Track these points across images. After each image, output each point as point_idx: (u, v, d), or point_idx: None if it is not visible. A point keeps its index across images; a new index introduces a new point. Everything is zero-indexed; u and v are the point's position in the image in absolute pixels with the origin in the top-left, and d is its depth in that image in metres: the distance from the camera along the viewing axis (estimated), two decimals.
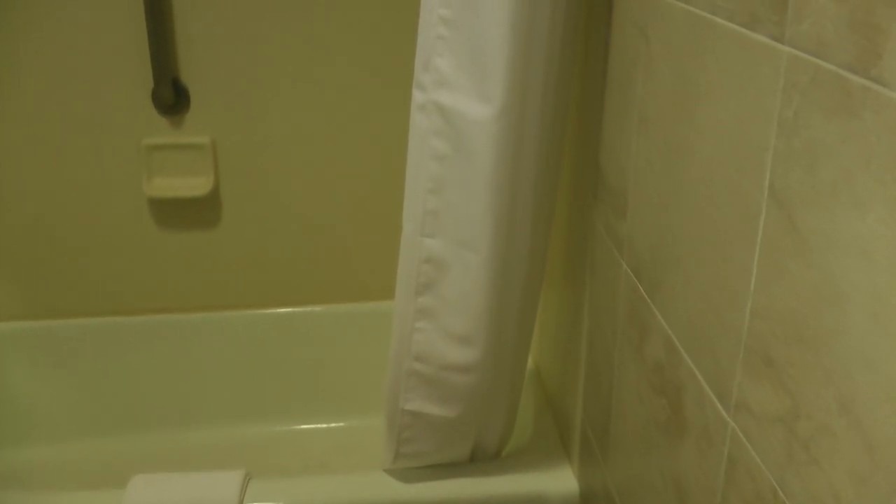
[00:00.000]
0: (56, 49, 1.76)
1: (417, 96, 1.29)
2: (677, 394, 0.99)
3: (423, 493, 1.46)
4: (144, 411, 1.97)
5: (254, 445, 1.93)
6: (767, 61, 0.74)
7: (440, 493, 1.46)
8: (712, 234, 0.88)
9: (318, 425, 2.00)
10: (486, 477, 1.48)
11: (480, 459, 1.52)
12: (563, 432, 1.61)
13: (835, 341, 0.65)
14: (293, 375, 1.99)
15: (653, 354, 1.07)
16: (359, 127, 1.86)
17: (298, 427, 2.00)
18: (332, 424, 2.00)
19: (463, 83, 1.24)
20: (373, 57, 1.80)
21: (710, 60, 0.87)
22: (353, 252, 1.96)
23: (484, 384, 1.38)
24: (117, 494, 1.41)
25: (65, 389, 1.96)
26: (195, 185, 1.86)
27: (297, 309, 1.99)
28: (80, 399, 1.97)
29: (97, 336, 1.96)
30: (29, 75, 1.78)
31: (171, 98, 1.80)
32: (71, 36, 1.76)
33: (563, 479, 1.52)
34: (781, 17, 0.71)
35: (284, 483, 1.52)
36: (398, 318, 1.39)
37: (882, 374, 0.59)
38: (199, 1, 1.75)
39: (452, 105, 1.25)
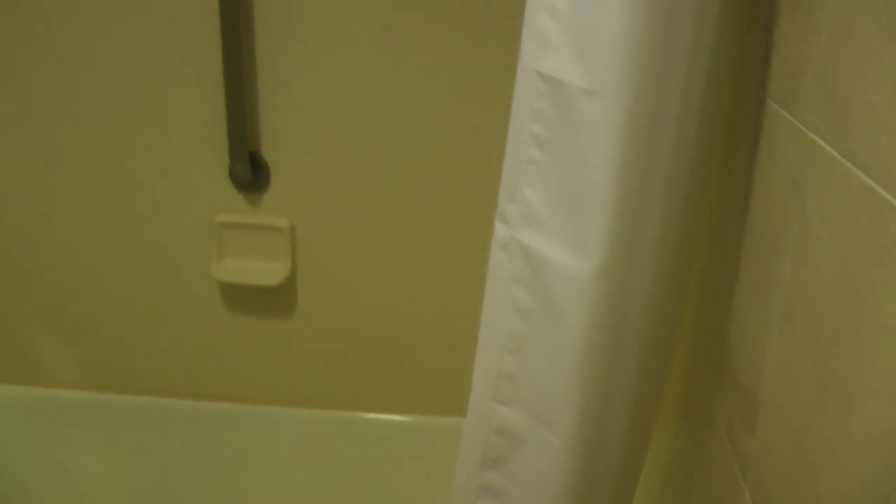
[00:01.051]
0: (130, 114, 1.61)
1: (500, 230, 1.03)
2: None
3: None
4: (196, 500, 1.78)
5: None
6: None
7: None
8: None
9: None
10: None
11: None
12: None
13: None
14: (354, 485, 1.77)
15: None
16: (452, 219, 1.62)
17: None
18: None
19: (555, 224, 0.97)
20: (469, 141, 1.55)
21: (891, 262, 0.58)
22: (437, 359, 1.72)
23: None
24: None
25: (115, 466, 1.82)
26: (269, 272, 1.66)
27: (368, 415, 1.77)
28: (131, 479, 1.82)
29: (154, 415, 1.81)
30: (100, 141, 1.63)
31: (249, 174, 1.60)
32: (146, 101, 1.60)
33: None
34: None
35: None
36: (458, 492, 1.13)
37: None
38: (283, 70, 1.55)
39: (541, 250, 0.98)
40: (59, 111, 1.62)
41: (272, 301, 1.70)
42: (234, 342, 1.75)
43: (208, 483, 1.80)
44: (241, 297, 1.71)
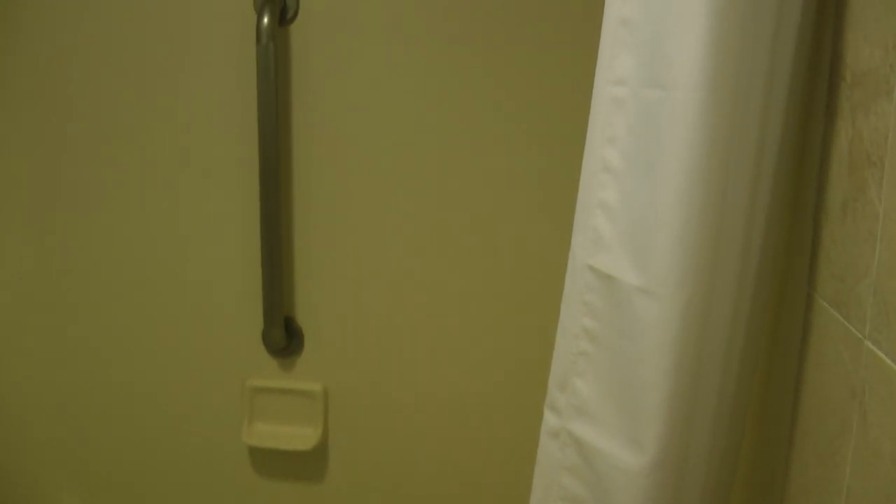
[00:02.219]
0: (168, 278, 1.65)
1: (550, 419, 1.03)
2: None
3: None
4: None
5: None
6: None
7: None
8: None
9: None
10: None
11: None
12: None
13: None
14: None
15: None
16: (489, 387, 1.61)
17: None
18: None
19: (608, 417, 0.97)
20: (495, 311, 1.57)
21: None
22: None
23: None
24: None
25: None
26: (300, 437, 1.65)
27: None
28: None
29: None
30: (135, 304, 1.67)
31: (282, 340, 1.62)
32: (184, 264, 1.63)
33: None
34: None
35: None
36: None
37: None
38: (319, 237, 1.58)
39: (593, 442, 0.98)
40: (94, 279, 1.65)
41: (303, 465, 1.68)
42: None
43: None
44: (272, 462, 1.69)
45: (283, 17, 1.52)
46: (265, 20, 1.47)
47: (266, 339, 1.62)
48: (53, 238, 1.65)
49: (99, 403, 1.71)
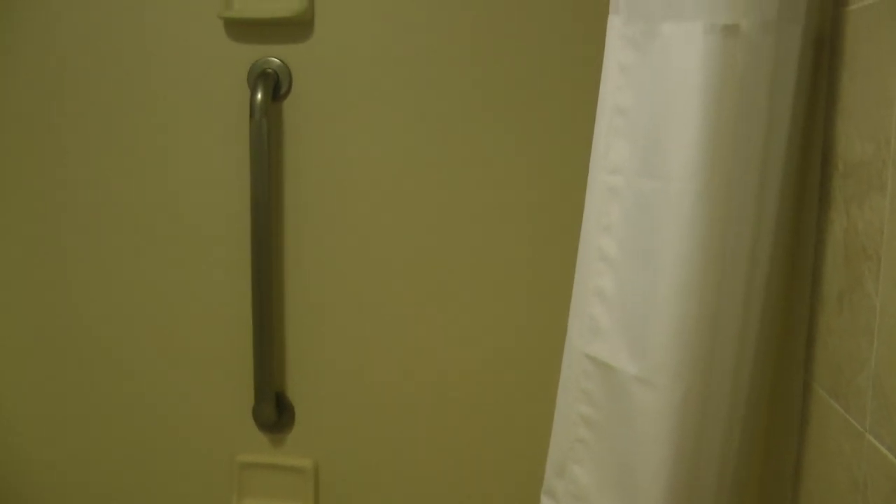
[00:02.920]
0: (157, 351, 1.63)
1: None
2: None
3: None
4: None
5: None
6: None
7: None
8: None
9: None
10: None
11: None
12: None
13: None
14: None
15: None
16: (489, 472, 1.59)
17: None
18: None
19: None
20: (504, 395, 1.55)
21: None
22: None
23: None
24: None
25: None
26: None
27: None
28: None
29: None
30: (125, 378, 1.64)
31: (273, 415, 1.60)
32: (173, 338, 1.61)
33: None
34: None
35: None
36: None
37: None
38: (312, 313, 1.57)
39: None
40: (85, 352, 1.64)
41: None
42: None
43: None
44: None
45: (276, 93, 1.53)
46: (258, 96, 1.48)
47: (256, 414, 1.60)
48: (45, 314, 1.63)
49: (87, 477, 1.68)
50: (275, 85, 1.51)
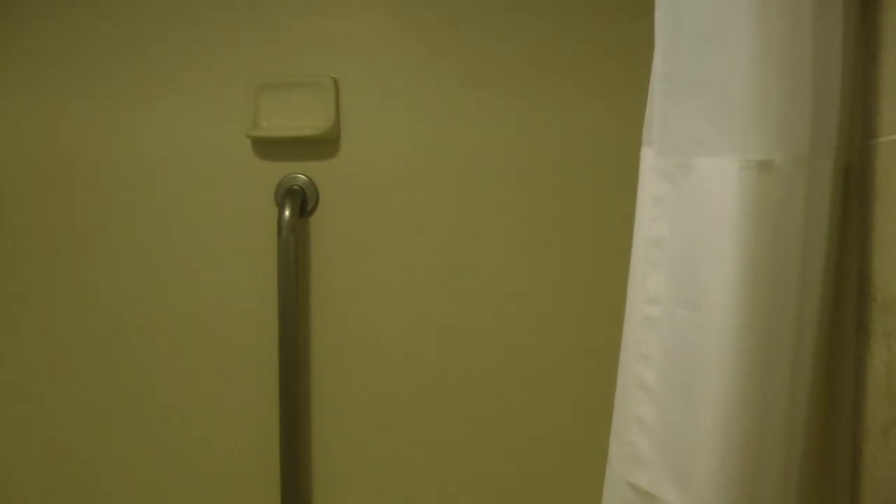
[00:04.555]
0: (182, 461, 1.62)
1: None
2: None
3: None
4: None
5: None
6: None
7: None
8: None
9: None
10: None
11: None
12: None
13: None
14: None
15: None
16: None
17: None
18: None
19: None
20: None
21: None
22: None
23: None
24: None
25: None
26: None
27: None
28: None
29: None
30: (148, 492, 1.60)
31: None
32: (200, 450, 1.60)
33: None
34: None
35: None
36: None
37: None
38: (338, 427, 1.57)
39: None
40: (114, 468, 1.62)
41: None
42: None
43: None
44: None
45: (304, 209, 1.55)
46: (286, 213, 1.51)
47: None
48: (67, 435, 1.63)
49: None
50: (302, 201, 1.54)
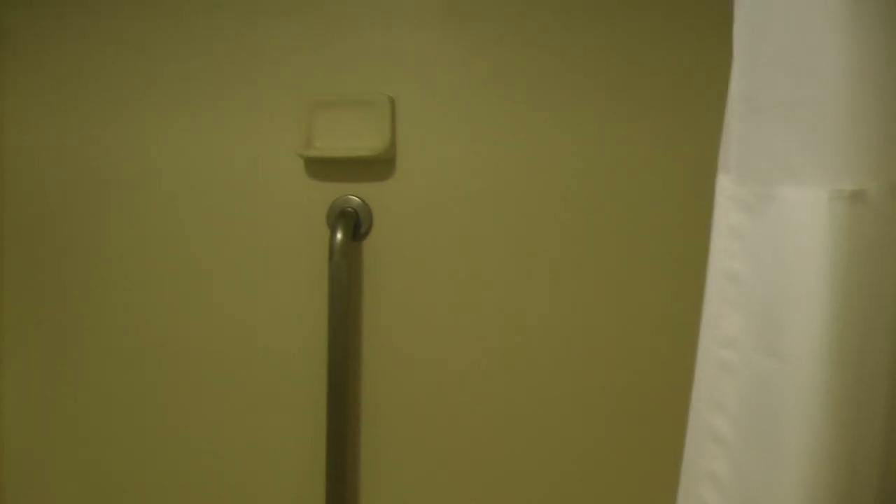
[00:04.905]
0: (229, 492, 1.56)
1: None
2: None
3: None
4: None
5: None
6: None
7: None
8: None
9: None
10: None
11: None
12: None
13: None
14: None
15: None
16: None
17: None
18: None
19: None
20: None
21: None
22: None
23: None
24: None
25: None
26: None
27: None
28: None
29: None
30: None
31: None
32: (245, 481, 1.55)
33: None
34: None
35: None
36: None
37: None
38: (388, 458, 1.51)
39: None
40: (158, 485, 1.58)
41: None
42: None
43: None
44: None
45: (356, 233, 1.50)
46: (338, 236, 1.45)
47: None
48: (104, 460, 1.59)
49: None
50: (355, 224, 1.48)
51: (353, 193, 1.51)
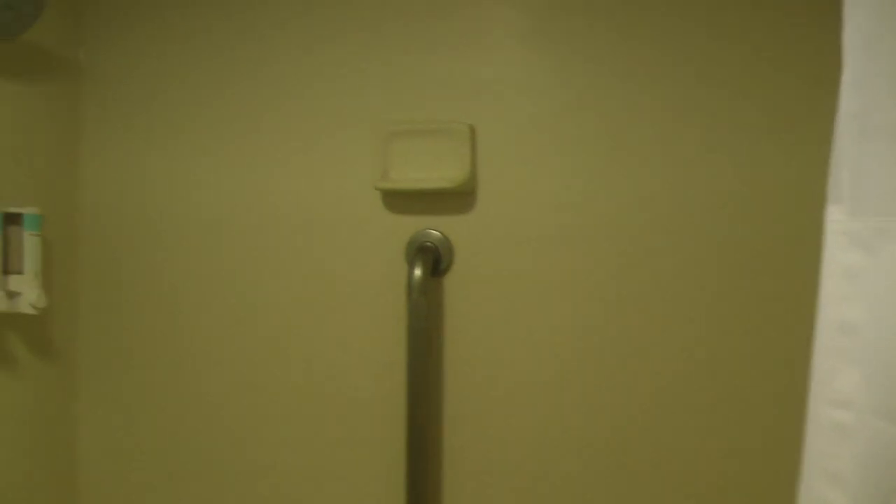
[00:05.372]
0: None
1: None
2: None
3: None
4: None
5: None
6: None
7: None
8: None
9: None
10: None
11: None
12: None
13: None
14: None
15: None
16: None
17: None
18: None
19: None
20: None
21: None
22: None
23: None
24: None
25: None
26: None
27: None
28: None
29: None
30: None
31: None
32: None
33: None
34: None
35: None
36: None
37: None
38: (472, 497, 1.41)
39: None
40: None
41: None
42: None
43: None
44: None
45: (437, 268, 1.42)
46: (417, 272, 1.38)
47: None
48: (187, 497, 1.55)
49: None
50: (435, 259, 1.40)
51: (433, 227, 1.43)
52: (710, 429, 1.33)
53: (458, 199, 1.42)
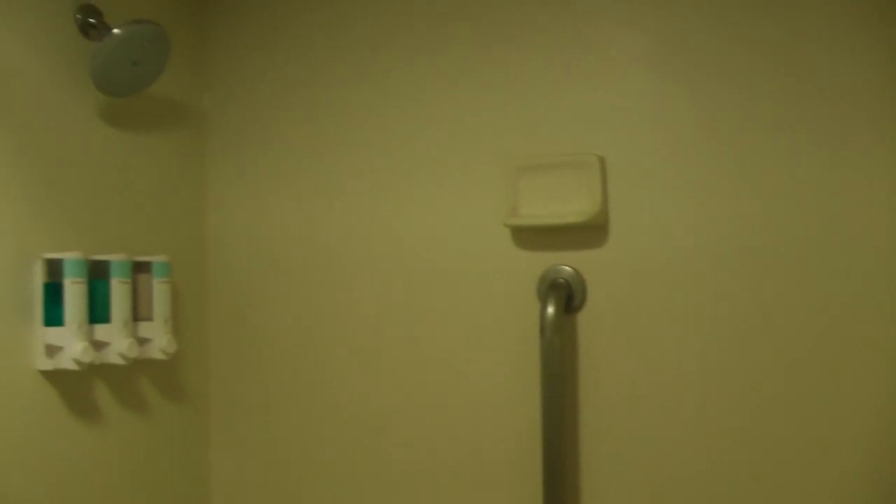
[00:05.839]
0: None
1: None
2: None
3: None
4: None
5: None
6: None
7: None
8: None
9: None
10: None
11: None
12: None
13: None
14: None
15: None
16: None
17: None
18: None
19: None
20: None
21: None
22: None
23: None
24: None
25: None
26: None
27: None
28: None
29: None
30: None
31: None
32: None
33: None
34: None
35: None
36: None
37: None
38: None
39: None
40: None
41: None
42: None
43: None
44: None
45: (570, 305, 1.38)
46: (549, 310, 1.34)
47: None
48: None
49: None
50: (567, 296, 1.37)
51: (565, 262, 1.40)
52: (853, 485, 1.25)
53: (590, 232, 1.38)
